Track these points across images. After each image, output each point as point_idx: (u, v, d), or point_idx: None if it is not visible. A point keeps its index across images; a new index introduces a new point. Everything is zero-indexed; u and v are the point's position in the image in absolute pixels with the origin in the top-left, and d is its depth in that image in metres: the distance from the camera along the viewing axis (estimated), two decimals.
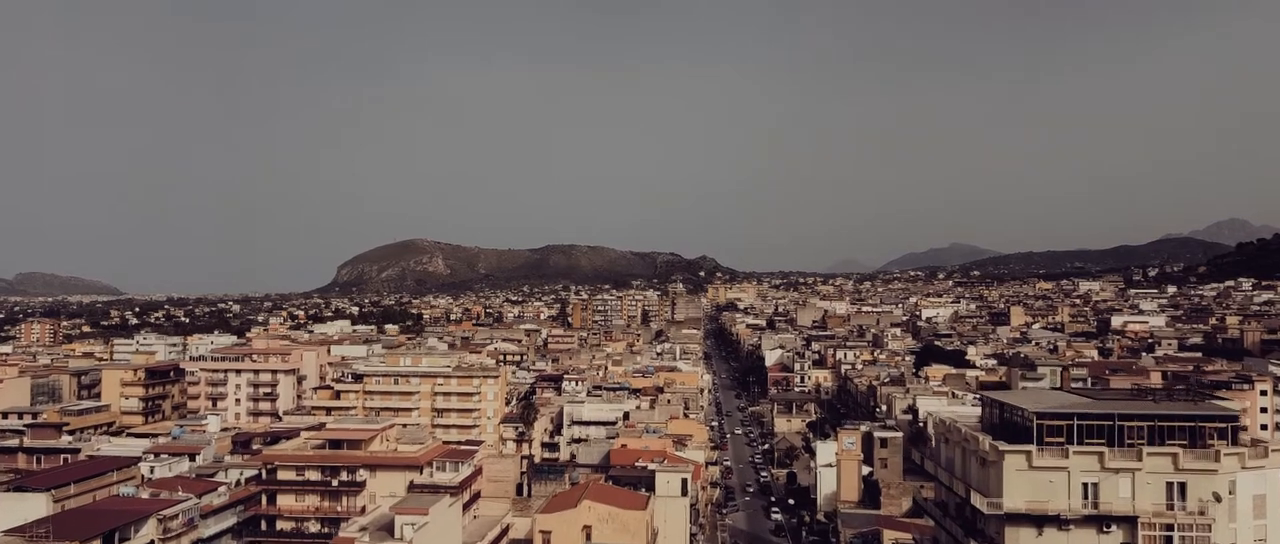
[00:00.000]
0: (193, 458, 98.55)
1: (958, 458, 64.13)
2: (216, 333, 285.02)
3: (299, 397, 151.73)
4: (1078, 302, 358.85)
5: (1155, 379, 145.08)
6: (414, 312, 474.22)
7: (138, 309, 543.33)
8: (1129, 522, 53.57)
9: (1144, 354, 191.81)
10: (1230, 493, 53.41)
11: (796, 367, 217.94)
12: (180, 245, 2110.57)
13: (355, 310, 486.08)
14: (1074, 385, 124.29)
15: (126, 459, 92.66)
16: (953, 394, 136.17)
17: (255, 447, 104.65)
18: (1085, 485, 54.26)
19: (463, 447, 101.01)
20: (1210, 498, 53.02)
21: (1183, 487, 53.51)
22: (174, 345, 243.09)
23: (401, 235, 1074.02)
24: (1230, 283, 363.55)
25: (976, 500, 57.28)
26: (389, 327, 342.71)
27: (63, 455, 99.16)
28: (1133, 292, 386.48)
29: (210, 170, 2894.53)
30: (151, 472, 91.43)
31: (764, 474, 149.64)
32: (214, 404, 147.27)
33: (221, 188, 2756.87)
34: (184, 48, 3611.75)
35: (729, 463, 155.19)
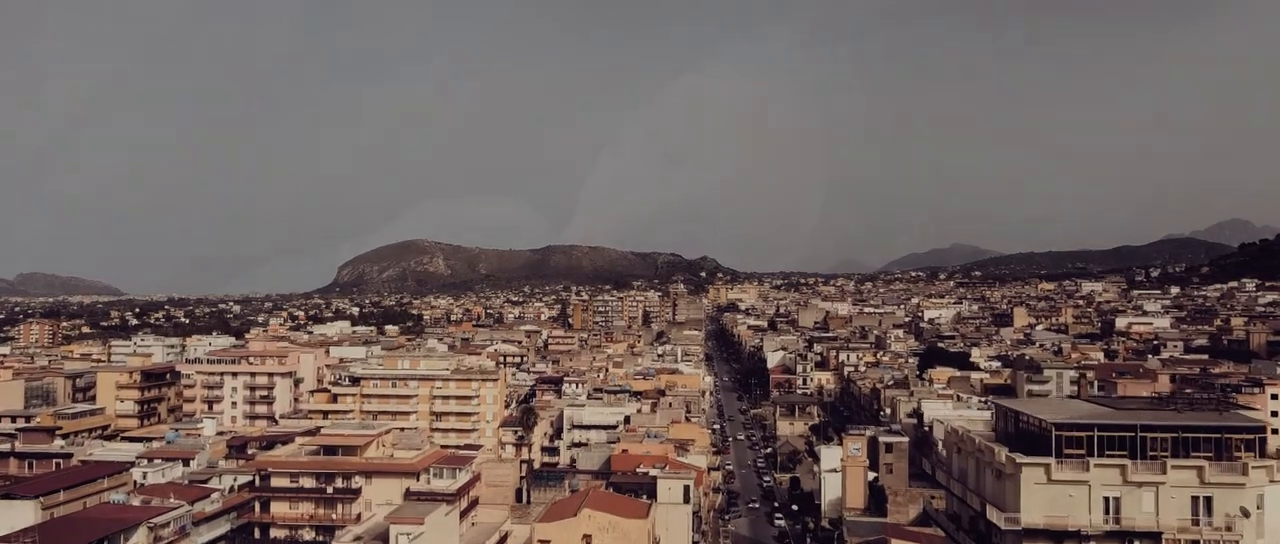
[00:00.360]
0: (186, 463, 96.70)
1: (971, 469, 62.19)
2: (215, 334, 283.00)
3: (296, 399, 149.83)
4: (1081, 302, 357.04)
5: (1163, 382, 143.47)
6: (414, 312, 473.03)
7: (138, 310, 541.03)
8: (1153, 538, 51.78)
9: (1150, 356, 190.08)
10: (1258, 507, 51.44)
11: (799, 368, 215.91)
12: (180, 245, 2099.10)
13: (355, 311, 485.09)
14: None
15: (119, 464, 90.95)
16: (958, 397, 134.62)
17: (250, 451, 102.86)
18: (1107, 500, 52.41)
19: (461, 451, 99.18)
20: (1238, 513, 51.05)
21: (1209, 501, 51.67)
22: (172, 347, 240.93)
23: (402, 235, 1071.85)
24: (1234, 283, 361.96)
25: (992, 514, 55.38)
26: (389, 327, 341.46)
27: (55, 460, 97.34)
28: (1136, 292, 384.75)
29: (210, 170, 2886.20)
30: (144, 477, 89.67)
31: (767, 479, 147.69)
32: (210, 407, 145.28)
33: (221, 188, 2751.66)
34: (184, 48, 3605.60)
35: (731, 467, 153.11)
